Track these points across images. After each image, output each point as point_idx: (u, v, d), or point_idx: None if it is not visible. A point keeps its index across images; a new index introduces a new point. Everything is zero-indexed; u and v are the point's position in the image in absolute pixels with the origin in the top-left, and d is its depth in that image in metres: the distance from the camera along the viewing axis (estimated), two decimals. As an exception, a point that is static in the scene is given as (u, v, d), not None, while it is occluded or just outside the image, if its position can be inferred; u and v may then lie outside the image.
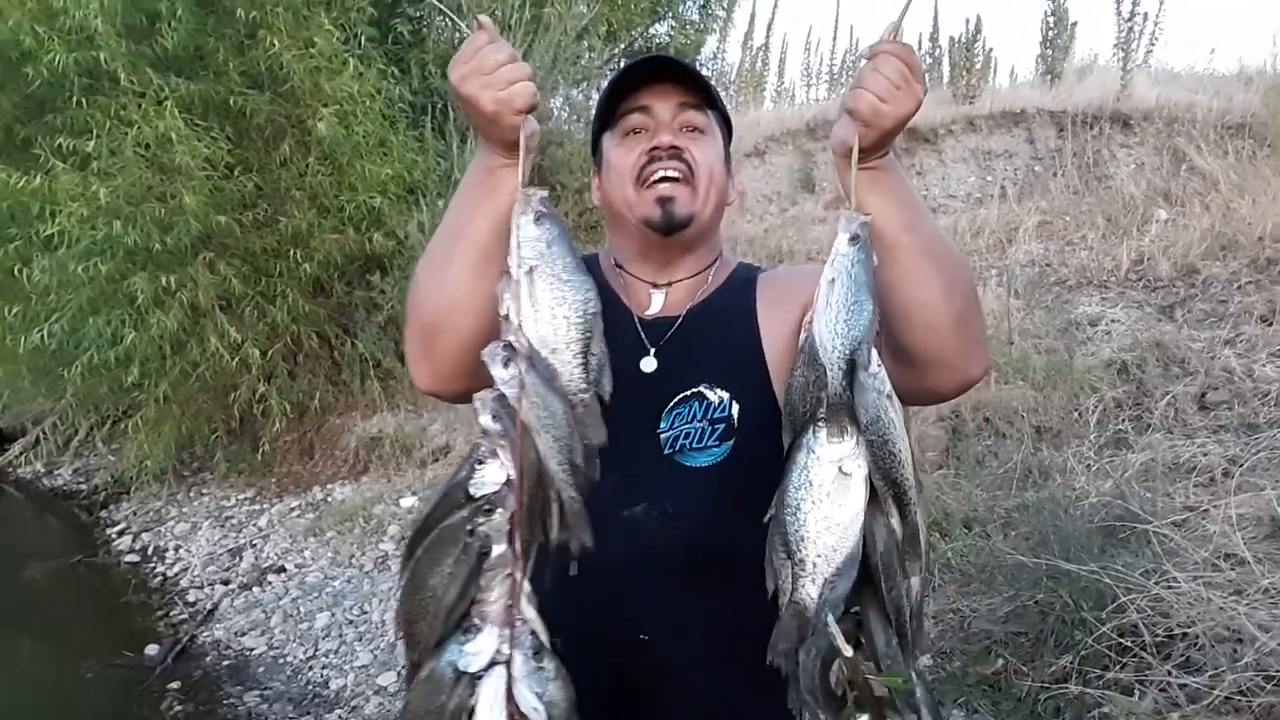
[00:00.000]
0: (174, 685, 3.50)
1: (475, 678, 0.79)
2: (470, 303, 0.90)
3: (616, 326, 1.08)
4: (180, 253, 4.79)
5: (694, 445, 1.03)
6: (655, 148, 1.05)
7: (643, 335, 1.09)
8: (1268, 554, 2.36)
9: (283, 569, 4.44)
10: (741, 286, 1.13)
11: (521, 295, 0.80)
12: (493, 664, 0.79)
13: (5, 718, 3.43)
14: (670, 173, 1.05)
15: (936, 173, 6.94)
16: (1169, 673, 2.12)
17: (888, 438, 0.79)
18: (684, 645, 1.04)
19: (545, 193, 0.82)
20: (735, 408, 1.03)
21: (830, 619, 0.79)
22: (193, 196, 4.58)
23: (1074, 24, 7.42)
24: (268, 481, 5.68)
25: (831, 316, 0.80)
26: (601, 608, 1.03)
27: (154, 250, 4.62)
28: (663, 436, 1.04)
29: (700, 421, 1.03)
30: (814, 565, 0.80)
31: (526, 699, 0.79)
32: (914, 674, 0.81)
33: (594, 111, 1.16)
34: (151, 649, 3.76)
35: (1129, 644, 2.22)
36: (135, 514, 5.71)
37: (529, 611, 0.81)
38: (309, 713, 3.22)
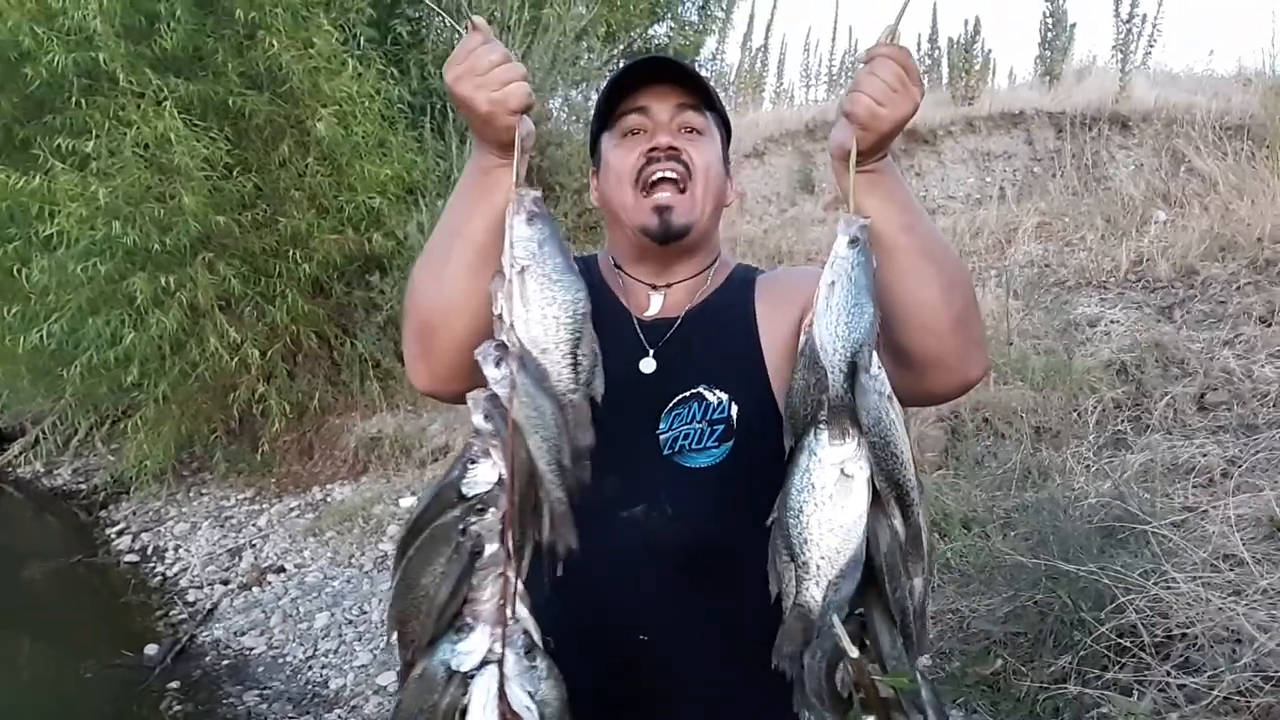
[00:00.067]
0: (173, 685, 3.50)
1: (467, 677, 0.79)
2: (467, 303, 0.90)
3: (616, 328, 1.08)
4: (179, 253, 4.79)
5: (693, 446, 1.03)
6: (653, 149, 1.05)
7: (642, 336, 1.09)
8: (1266, 554, 2.37)
9: (282, 569, 4.44)
10: (740, 287, 1.13)
11: (514, 295, 0.80)
12: (485, 663, 0.80)
13: (5, 718, 3.43)
14: (668, 173, 1.05)
15: (935, 174, 6.95)
16: (1168, 673, 2.12)
17: (889, 439, 0.80)
18: (684, 645, 1.04)
19: (538, 193, 0.83)
20: (734, 408, 1.03)
21: (836, 620, 0.79)
22: (192, 197, 4.58)
23: (1073, 25, 7.44)
24: (267, 481, 5.69)
25: (832, 319, 0.80)
26: (601, 608, 1.04)
27: (153, 250, 4.62)
28: (662, 437, 1.04)
29: (699, 422, 1.04)
30: (817, 568, 0.81)
31: (519, 698, 0.79)
32: (919, 674, 0.81)
33: (593, 111, 1.16)
34: (151, 649, 3.76)
35: (1128, 644, 2.23)
36: (135, 514, 5.71)
37: (521, 611, 0.81)
38: (308, 712, 3.22)
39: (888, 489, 0.81)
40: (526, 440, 0.79)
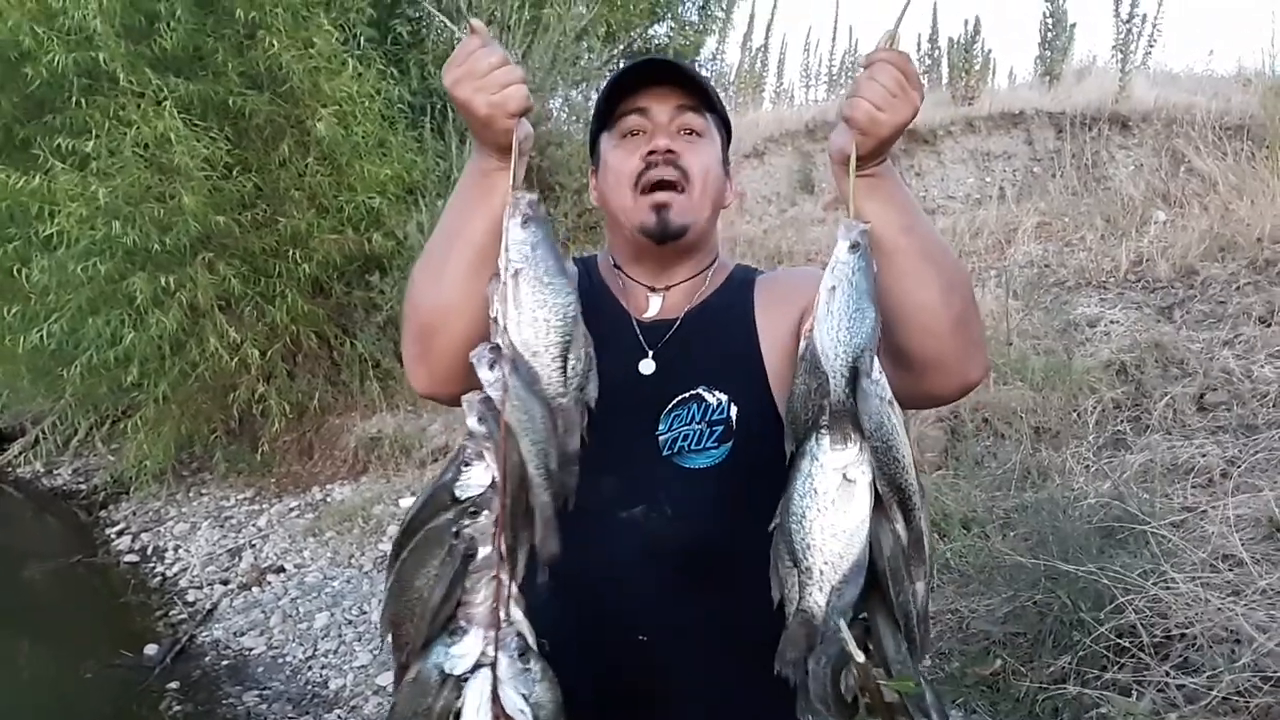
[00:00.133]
0: (173, 685, 3.50)
1: (461, 680, 0.79)
2: (466, 305, 0.90)
3: (615, 329, 1.08)
4: (179, 253, 4.79)
5: (692, 447, 1.03)
6: (652, 152, 1.05)
7: (641, 338, 1.09)
8: (1265, 555, 2.37)
9: (282, 569, 4.44)
10: (740, 288, 1.13)
11: (508, 298, 0.80)
12: (478, 666, 0.80)
13: (5, 718, 3.43)
14: (666, 177, 1.05)
15: (935, 174, 6.95)
16: (1167, 673, 2.13)
17: (891, 443, 0.80)
18: (683, 646, 1.04)
19: (534, 196, 0.83)
20: (734, 409, 1.04)
21: (843, 626, 0.79)
22: (192, 197, 4.58)
23: (1073, 25, 7.44)
24: (267, 481, 5.69)
25: (833, 324, 0.80)
26: (600, 608, 1.04)
27: (153, 250, 4.62)
28: (661, 438, 1.04)
29: (699, 423, 1.04)
30: (821, 573, 0.80)
31: (512, 701, 0.79)
32: (923, 679, 0.81)
33: (593, 111, 1.16)
34: (150, 649, 3.76)
35: (1127, 644, 2.23)
36: (134, 514, 5.71)
37: (515, 613, 0.81)
38: (308, 713, 3.22)
39: (890, 493, 0.81)
40: (518, 443, 0.80)
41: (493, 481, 0.79)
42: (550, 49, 6.13)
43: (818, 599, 0.81)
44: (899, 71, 0.82)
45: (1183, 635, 2.20)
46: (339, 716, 3.18)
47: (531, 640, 0.81)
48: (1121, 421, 3.46)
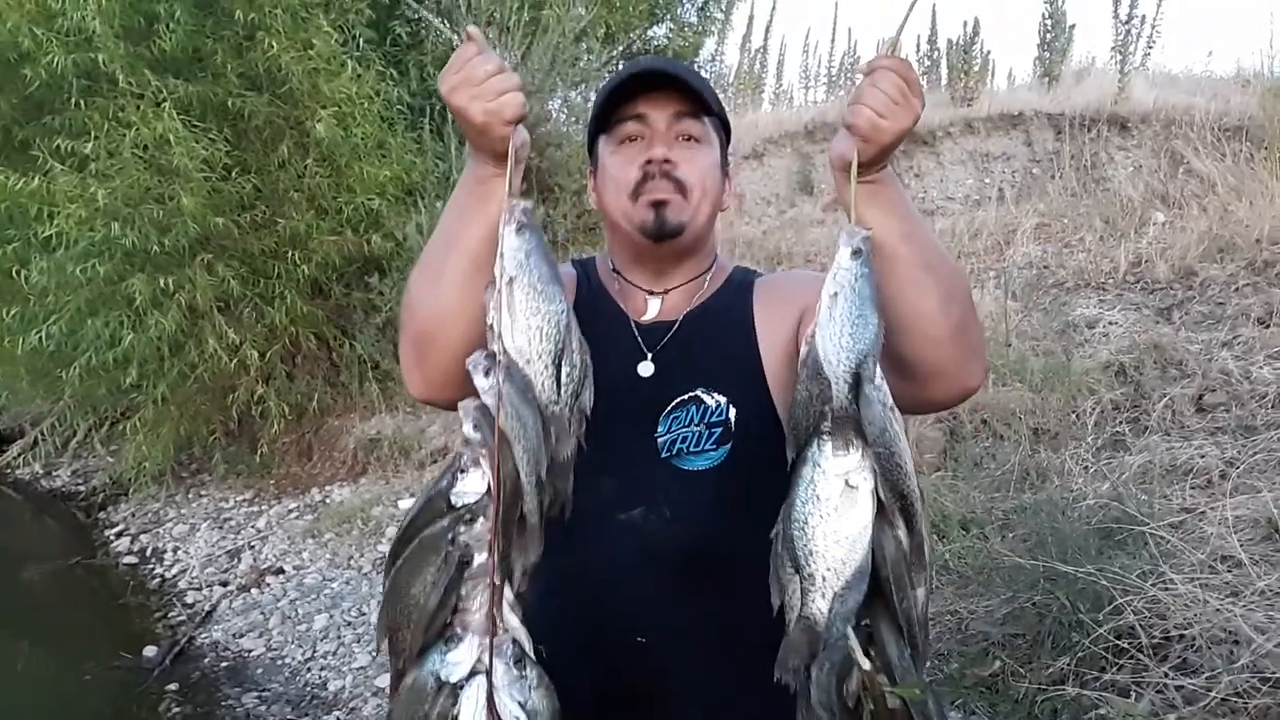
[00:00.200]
0: (172, 687, 3.49)
1: (457, 687, 0.79)
2: (462, 312, 0.90)
3: (613, 331, 1.09)
4: (178, 254, 4.79)
5: (691, 449, 1.03)
6: (649, 161, 1.05)
7: (640, 340, 1.09)
8: (1264, 556, 2.37)
9: (281, 570, 4.43)
10: (738, 291, 1.13)
11: (503, 305, 0.81)
12: (474, 673, 0.80)
13: (4, 719, 3.42)
14: (661, 196, 1.06)
15: (934, 175, 6.95)
16: (1165, 674, 2.12)
17: (894, 449, 0.80)
18: (681, 647, 1.04)
19: (529, 204, 0.84)
20: (732, 411, 1.04)
21: (850, 632, 0.79)
22: (191, 198, 4.58)
23: (1072, 26, 7.45)
24: (266, 483, 5.68)
25: (835, 330, 0.80)
26: (599, 610, 1.04)
27: (152, 252, 4.62)
28: (660, 440, 1.04)
29: (697, 425, 1.04)
30: (823, 579, 0.80)
31: (508, 708, 0.79)
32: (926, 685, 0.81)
33: (591, 114, 1.16)
34: (150, 650, 3.76)
35: (1126, 646, 2.23)
36: (133, 515, 5.71)
37: (511, 620, 0.81)
38: (307, 714, 3.22)
39: (892, 499, 0.81)
40: (512, 450, 0.80)
41: (488, 488, 0.79)
42: (549, 50, 6.13)
43: (820, 606, 0.81)
44: (901, 79, 0.82)
45: (1181, 636, 2.20)
46: (338, 718, 3.17)
47: (528, 647, 0.81)
48: (1120, 423, 3.46)
